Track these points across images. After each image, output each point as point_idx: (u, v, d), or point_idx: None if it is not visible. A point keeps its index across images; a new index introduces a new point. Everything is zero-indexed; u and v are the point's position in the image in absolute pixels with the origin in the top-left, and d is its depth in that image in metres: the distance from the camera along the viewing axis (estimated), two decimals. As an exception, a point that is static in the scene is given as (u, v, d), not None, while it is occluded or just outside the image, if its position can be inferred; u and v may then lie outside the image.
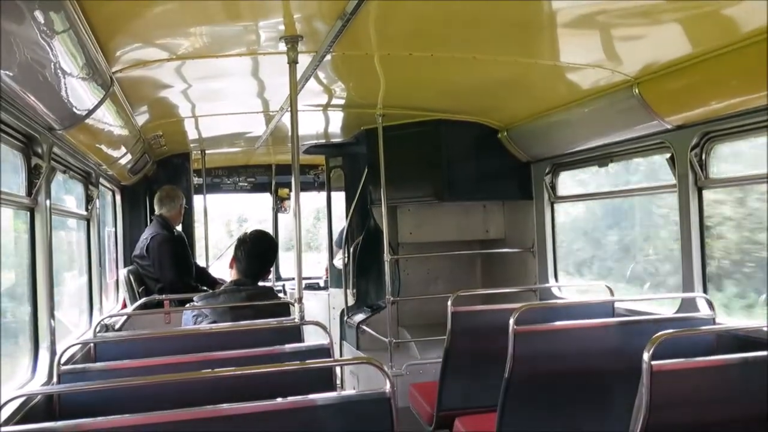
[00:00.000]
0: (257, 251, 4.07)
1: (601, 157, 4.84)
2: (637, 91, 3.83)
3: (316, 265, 10.12)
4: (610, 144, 4.63)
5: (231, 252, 4.25)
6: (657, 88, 3.76)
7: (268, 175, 9.32)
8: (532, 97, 4.74)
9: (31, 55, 2.32)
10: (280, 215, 9.69)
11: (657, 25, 3.09)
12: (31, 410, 2.70)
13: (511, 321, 3.35)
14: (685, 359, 2.56)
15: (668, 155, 4.04)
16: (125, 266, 6.29)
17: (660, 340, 2.48)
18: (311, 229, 14.39)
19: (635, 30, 3.22)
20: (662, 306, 4.35)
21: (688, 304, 3.94)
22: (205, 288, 5.94)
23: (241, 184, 9.33)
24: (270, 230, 9.75)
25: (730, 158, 3.92)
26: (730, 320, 3.88)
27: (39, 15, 2.12)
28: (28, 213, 3.28)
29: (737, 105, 3.41)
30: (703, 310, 3.78)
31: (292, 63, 3.30)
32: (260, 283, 4.21)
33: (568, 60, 3.72)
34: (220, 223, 15.08)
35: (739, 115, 3.46)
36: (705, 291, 3.90)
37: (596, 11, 2.92)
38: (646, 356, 2.44)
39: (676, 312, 4.02)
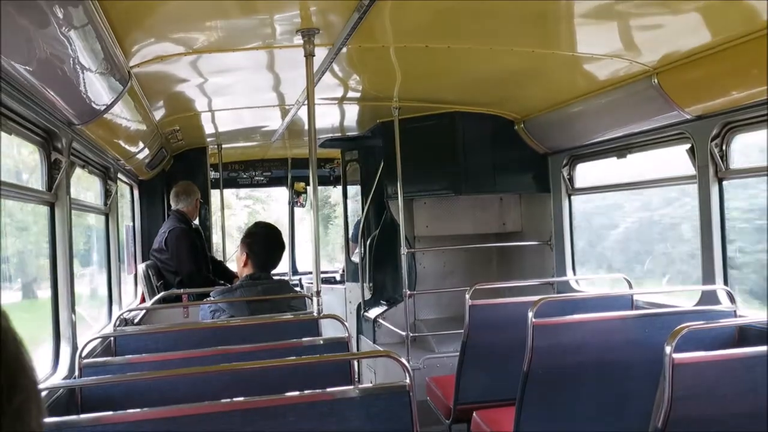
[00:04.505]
0: (266, 243, 4.05)
1: (620, 148, 4.80)
2: (656, 81, 3.79)
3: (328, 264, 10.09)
4: (629, 135, 4.58)
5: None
6: (676, 78, 3.72)
7: (284, 168, 9.34)
8: (550, 88, 4.70)
9: (50, 50, 2.33)
10: (296, 209, 9.71)
11: (676, 15, 3.05)
12: (53, 403, 2.73)
13: (530, 314, 3.34)
14: (706, 352, 2.54)
15: (688, 146, 4.00)
16: (143, 261, 6.33)
17: (682, 332, 2.46)
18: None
19: (654, 19, 3.18)
20: (680, 298, 4.31)
21: (708, 297, 3.90)
22: (223, 282, 5.97)
23: (257, 178, 9.36)
24: (286, 224, 9.79)
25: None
26: (751, 312, 3.84)
27: (58, 10, 2.13)
28: (49, 208, 3.31)
29: (758, 94, 3.36)
30: (724, 303, 3.75)
31: (309, 56, 3.29)
32: (276, 278, 4.22)
33: (586, 50, 3.69)
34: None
35: (761, 104, 3.42)
36: (726, 283, 3.86)
37: (615, 1, 2.89)
38: (667, 349, 2.42)
39: (696, 304, 3.99)
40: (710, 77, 3.56)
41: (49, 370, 3.23)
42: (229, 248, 8.37)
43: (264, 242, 4.02)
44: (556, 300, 4.11)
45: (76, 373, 2.90)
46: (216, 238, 7.95)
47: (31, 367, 0.70)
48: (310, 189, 8.34)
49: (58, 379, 3.19)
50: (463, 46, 3.62)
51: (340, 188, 8.09)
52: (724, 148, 3.83)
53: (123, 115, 3.76)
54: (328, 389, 2.27)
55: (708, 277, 3.93)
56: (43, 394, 2.65)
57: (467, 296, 4.09)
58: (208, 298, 4.12)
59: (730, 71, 3.42)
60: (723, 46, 3.28)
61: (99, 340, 3.64)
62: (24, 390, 0.68)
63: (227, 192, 9.19)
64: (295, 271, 9.62)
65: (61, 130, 3.21)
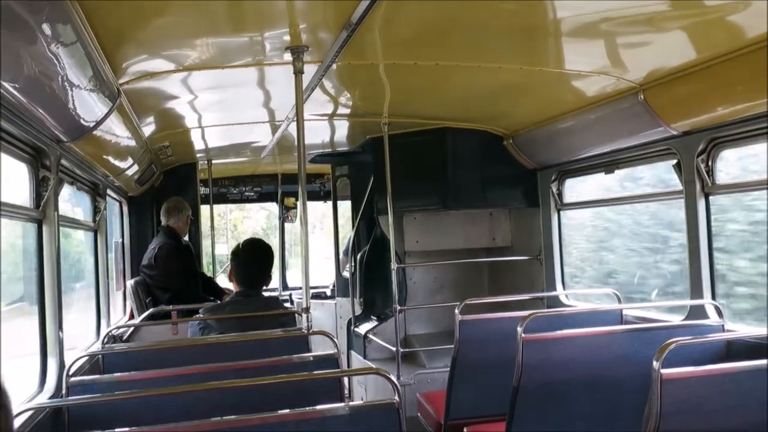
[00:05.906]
0: (253, 259, 4.06)
1: (608, 163, 4.83)
2: (642, 97, 3.83)
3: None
4: (617, 150, 4.62)
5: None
6: (662, 95, 3.76)
7: (274, 184, 9.34)
8: (538, 104, 4.73)
9: (38, 67, 2.33)
10: (286, 225, 9.70)
11: (662, 32, 3.09)
12: (40, 423, 2.70)
13: (519, 329, 3.35)
14: (694, 367, 2.55)
15: (674, 161, 4.03)
16: (132, 277, 6.30)
17: (669, 347, 2.47)
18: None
19: (640, 37, 3.22)
20: (669, 313, 4.33)
21: (697, 311, 3.92)
22: (212, 298, 5.95)
23: (247, 193, 9.35)
24: (277, 240, 9.79)
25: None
26: (739, 327, 3.86)
27: (46, 28, 2.13)
28: (36, 225, 3.30)
29: (743, 110, 3.40)
30: (712, 317, 3.77)
31: (298, 73, 3.31)
32: (266, 294, 4.21)
33: (574, 67, 3.72)
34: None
35: (746, 120, 3.45)
36: (713, 297, 3.88)
37: (601, 19, 2.92)
38: (655, 364, 2.43)
39: (685, 319, 4.00)
40: (696, 94, 3.59)
41: (35, 389, 3.20)
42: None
43: (245, 260, 4.03)
44: (546, 315, 4.11)
45: (64, 391, 2.88)
46: (206, 255, 7.93)
47: (5, 388, 0.73)
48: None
49: (44, 397, 3.16)
50: (451, 63, 3.64)
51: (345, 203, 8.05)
52: (710, 163, 3.86)
53: (112, 131, 3.76)
54: (318, 407, 2.27)
55: (696, 291, 3.95)
56: (30, 413, 2.63)
57: (457, 311, 4.09)
58: (198, 315, 4.10)
59: (716, 88, 3.45)
60: (708, 63, 3.32)
61: (86, 358, 3.61)
62: (3, 408, 0.70)
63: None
64: (285, 287, 9.60)
65: (50, 148, 3.20)
